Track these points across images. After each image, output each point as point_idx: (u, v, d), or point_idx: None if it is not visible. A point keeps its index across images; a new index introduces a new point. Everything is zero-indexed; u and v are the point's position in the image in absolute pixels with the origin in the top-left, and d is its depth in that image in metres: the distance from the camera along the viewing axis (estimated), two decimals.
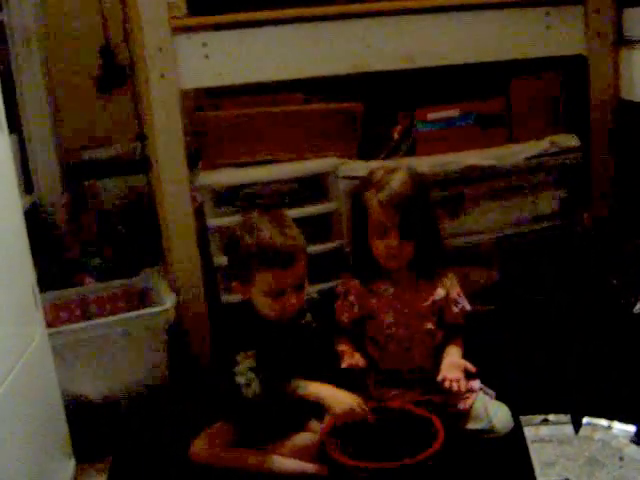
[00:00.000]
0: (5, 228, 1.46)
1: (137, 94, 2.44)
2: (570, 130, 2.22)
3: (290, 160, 2.08)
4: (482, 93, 2.19)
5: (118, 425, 1.84)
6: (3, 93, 1.54)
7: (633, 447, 1.59)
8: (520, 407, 1.74)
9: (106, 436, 1.80)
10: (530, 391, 1.83)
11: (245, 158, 2.07)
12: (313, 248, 1.91)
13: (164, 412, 1.89)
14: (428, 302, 1.80)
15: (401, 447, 1.52)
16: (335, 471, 1.53)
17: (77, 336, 1.85)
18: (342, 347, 1.80)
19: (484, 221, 2.18)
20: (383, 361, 1.82)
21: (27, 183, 2.52)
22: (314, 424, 1.69)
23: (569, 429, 1.68)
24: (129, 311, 1.98)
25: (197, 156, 2.09)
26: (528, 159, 2.15)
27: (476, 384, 1.76)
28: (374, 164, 2.01)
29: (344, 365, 1.74)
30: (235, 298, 1.83)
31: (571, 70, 2.22)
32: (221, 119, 2.06)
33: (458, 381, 1.65)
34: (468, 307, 1.83)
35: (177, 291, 2.03)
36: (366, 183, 1.80)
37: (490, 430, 1.68)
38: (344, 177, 2.07)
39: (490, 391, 1.78)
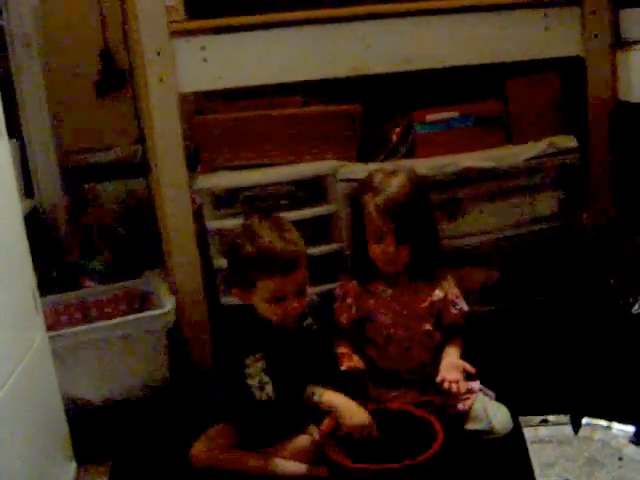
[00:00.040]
0: (5, 232, 1.47)
1: (136, 98, 2.45)
2: (568, 131, 2.23)
3: (289, 163, 2.08)
4: (481, 95, 2.20)
5: (118, 428, 1.84)
6: (3, 97, 1.54)
7: (632, 447, 1.58)
8: (519, 408, 1.73)
9: (107, 439, 1.80)
10: (529, 392, 1.83)
11: (244, 161, 2.08)
12: (312, 250, 1.91)
13: (164, 415, 1.89)
14: (426, 303, 1.81)
15: (401, 448, 1.52)
16: (335, 473, 1.53)
17: (77, 339, 1.86)
18: (341, 349, 1.81)
19: (483, 222, 2.19)
20: (382, 362, 1.82)
21: (27, 187, 2.53)
22: (312, 427, 1.69)
23: (568, 430, 1.68)
24: (129, 314, 1.99)
25: (196, 159, 2.10)
26: (526, 160, 2.16)
27: (476, 385, 1.76)
28: (373, 166, 2.01)
29: (343, 368, 1.75)
30: (235, 300, 1.83)
31: (569, 71, 2.22)
32: (220, 122, 2.07)
33: (457, 382, 1.65)
34: (466, 308, 1.83)
35: (177, 294, 2.03)
36: (365, 186, 1.80)
37: (489, 431, 1.68)
38: (343, 180, 2.07)
39: (490, 392, 1.78)
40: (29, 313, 1.56)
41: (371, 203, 1.73)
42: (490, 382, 1.79)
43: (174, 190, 2.00)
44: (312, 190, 2.12)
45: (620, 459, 1.56)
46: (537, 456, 1.61)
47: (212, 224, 2.05)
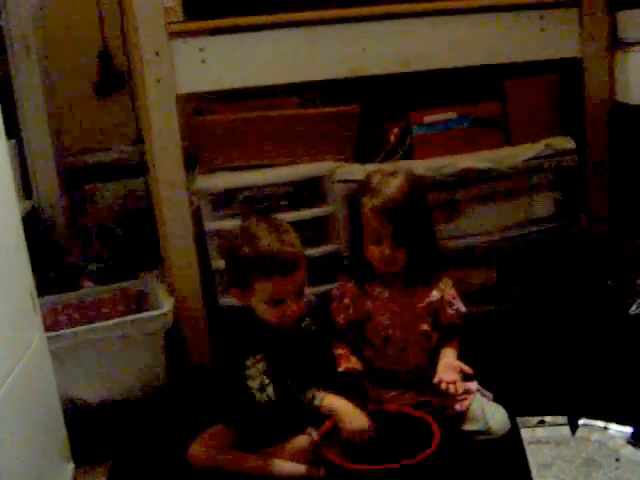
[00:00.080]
0: (3, 233, 1.47)
1: (135, 98, 2.46)
2: (566, 133, 2.23)
3: (287, 164, 2.09)
4: (478, 96, 2.20)
5: (117, 428, 1.84)
6: (2, 98, 1.55)
7: (630, 448, 1.58)
8: (517, 408, 1.74)
9: (105, 439, 1.80)
10: (527, 393, 1.83)
11: (242, 162, 2.08)
12: (310, 251, 1.92)
13: (162, 415, 1.89)
14: (423, 304, 1.81)
15: (398, 449, 1.52)
16: (332, 473, 1.53)
17: (76, 340, 1.86)
18: (339, 351, 1.81)
19: (480, 223, 2.19)
20: (380, 363, 1.82)
21: (26, 188, 2.53)
22: (310, 428, 1.69)
23: (566, 430, 1.68)
24: (127, 315, 1.99)
25: (194, 160, 2.10)
26: (524, 162, 2.16)
27: (473, 386, 1.76)
28: (370, 167, 2.01)
29: (341, 369, 1.75)
30: (233, 301, 1.83)
31: (567, 73, 2.23)
32: (218, 123, 2.07)
33: (454, 383, 1.65)
34: (463, 309, 1.83)
35: (175, 295, 2.03)
36: (363, 187, 1.80)
37: (487, 432, 1.68)
38: (340, 181, 2.08)
39: (487, 393, 1.78)
40: (27, 314, 1.56)
41: (369, 204, 1.73)
42: (488, 383, 1.79)
43: (172, 191, 2.00)
44: (310, 191, 2.12)
45: (617, 460, 1.55)
46: (534, 457, 1.60)
47: (210, 225, 2.06)
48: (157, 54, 1.92)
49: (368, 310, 1.81)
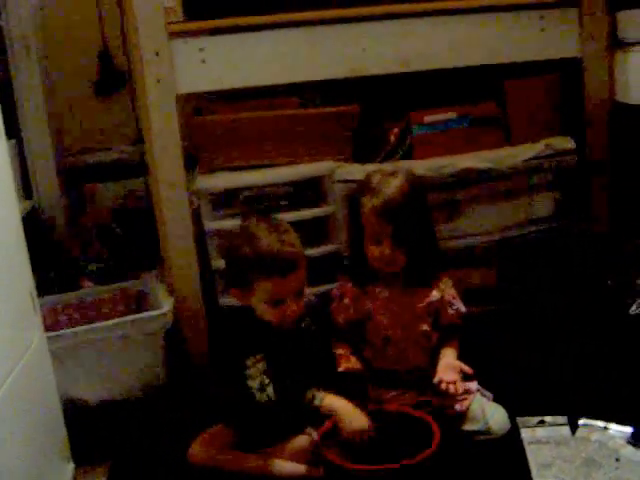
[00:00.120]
0: (3, 233, 1.47)
1: (135, 98, 2.46)
2: (565, 133, 2.23)
3: (287, 164, 2.09)
4: (478, 96, 2.21)
5: (116, 428, 1.84)
6: (2, 98, 1.55)
7: (630, 448, 1.58)
8: (517, 408, 1.74)
9: (105, 439, 1.80)
10: (527, 393, 1.83)
11: (242, 162, 2.08)
12: (310, 251, 1.92)
13: (162, 415, 1.89)
14: (423, 304, 1.81)
15: (398, 449, 1.52)
16: (332, 473, 1.53)
17: (76, 340, 1.86)
18: (339, 351, 1.81)
19: (481, 223, 2.19)
20: (380, 363, 1.82)
21: (26, 188, 2.53)
22: (310, 428, 1.69)
23: (566, 430, 1.68)
24: (127, 315, 1.99)
25: (194, 160, 2.10)
26: (524, 162, 2.16)
27: (473, 386, 1.76)
28: (370, 167, 2.01)
29: (341, 369, 1.75)
30: (233, 301, 1.84)
31: (566, 73, 2.23)
32: (218, 123, 2.07)
33: (454, 383, 1.65)
34: (463, 309, 1.84)
35: (175, 295, 2.03)
36: (363, 187, 1.79)
37: (487, 432, 1.68)
38: (340, 181, 2.08)
39: (488, 393, 1.78)
40: (27, 314, 1.56)
41: (368, 204, 1.73)
42: (488, 383, 1.79)
43: (172, 191, 2.00)
44: (310, 191, 2.12)
45: (617, 460, 1.55)
46: (534, 457, 1.60)
47: (210, 225, 2.06)
48: (157, 54, 1.92)
49: (368, 310, 1.81)
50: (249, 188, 2.07)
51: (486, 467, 1.60)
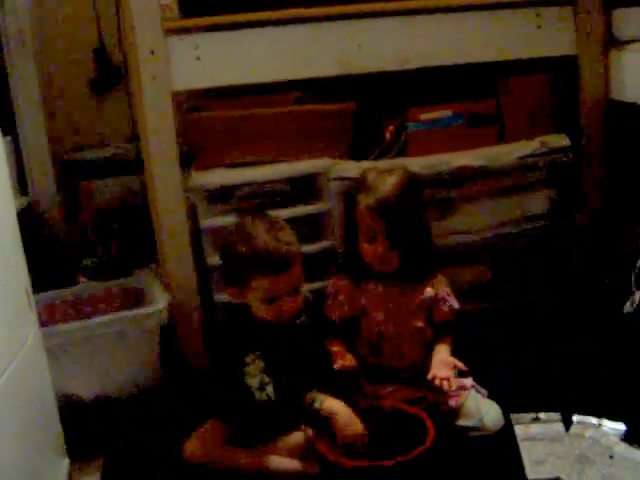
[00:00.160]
0: None
1: (131, 95, 2.45)
2: (560, 130, 2.23)
3: (283, 161, 2.09)
4: (474, 94, 2.20)
5: (111, 424, 1.85)
6: None
7: (623, 445, 1.58)
8: (511, 405, 1.74)
9: (99, 435, 1.81)
10: (521, 389, 1.84)
11: (238, 159, 2.08)
12: (305, 248, 1.91)
13: (157, 411, 1.90)
14: (417, 300, 1.81)
15: (392, 445, 1.53)
16: (327, 469, 1.54)
17: (71, 336, 1.86)
18: (334, 348, 1.81)
19: (475, 221, 2.19)
20: (375, 359, 1.83)
21: (22, 184, 2.53)
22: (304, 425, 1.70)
23: (559, 427, 1.68)
24: (123, 311, 1.99)
25: (190, 156, 2.10)
26: (519, 159, 2.16)
27: (468, 382, 1.77)
28: (366, 164, 2.02)
29: (336, 366, 1.75)
30: (228, 298, 1.84)
31: (562, 71, 2.23)
32: (214, 120, 2.07)
33: (448, 379, 1.66)
34: (457, 306, 1.84)
35: (171, 291, 2.04)
36: (358, 185, 1.80)
37: (481, 428, 1.69)
38: (336, 178, 2.07)
39: (482, 390, 1.79)
40: (23, 310, 1.56)
41: (364, 202, 1.74)
42: (482, 380, 1.80)
43: (167, 188, 2.00)
44: (306, 188, 2.12)
45: (611, 457, 1.56)
46: (528, 453, 1.61)
47: (206, 222, 2.06)
48: (153, 51, 1.91)
49: (363, 306, 1.82)
50: (245, 185, 2.07)
51: (480, 463, 1.60)
